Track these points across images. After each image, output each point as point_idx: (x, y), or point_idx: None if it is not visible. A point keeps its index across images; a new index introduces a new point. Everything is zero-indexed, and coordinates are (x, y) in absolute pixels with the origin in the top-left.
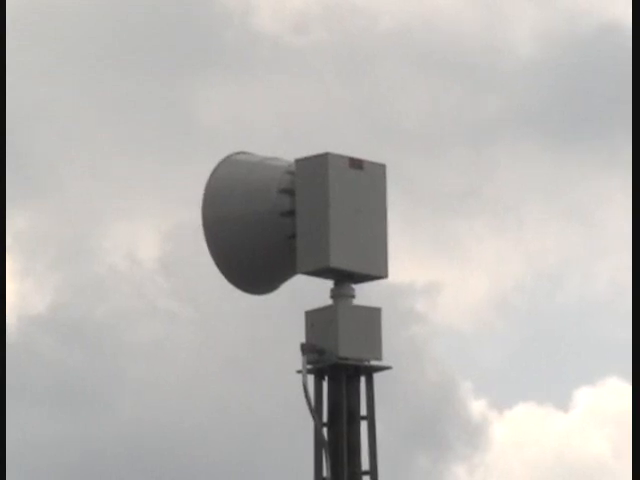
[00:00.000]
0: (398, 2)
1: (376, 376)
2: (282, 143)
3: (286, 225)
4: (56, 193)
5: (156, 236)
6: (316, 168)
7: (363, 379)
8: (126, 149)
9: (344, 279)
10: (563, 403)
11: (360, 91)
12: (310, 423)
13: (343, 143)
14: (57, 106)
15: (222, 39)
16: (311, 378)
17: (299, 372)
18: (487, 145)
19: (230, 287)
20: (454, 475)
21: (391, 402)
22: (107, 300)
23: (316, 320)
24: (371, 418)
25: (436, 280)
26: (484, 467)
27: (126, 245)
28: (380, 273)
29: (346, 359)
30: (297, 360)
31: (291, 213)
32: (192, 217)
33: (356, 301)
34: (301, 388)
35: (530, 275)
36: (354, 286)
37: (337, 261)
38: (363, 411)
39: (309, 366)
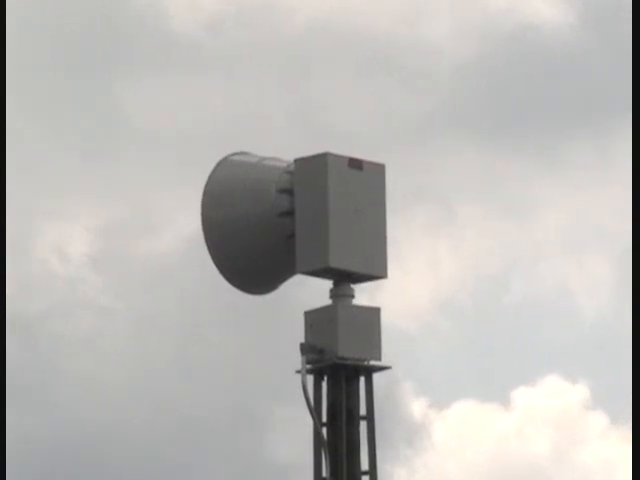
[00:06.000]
0: None
1: None
2: (211, 142)
3: (285, 225)
4: None
5: (86, 233)
6: (315, 168)
7: (362, 379)
8: (55, 147)
9: (343, 279)
10: (505, 403)
11: (286, 89)
12: (310, 423)
13: (273, 142)
14: None
15: (139, 41)
16: (310, 378)
17: (298, 372)
18: (421, 145)
19: (164, 285)
20: (396, 475)
21: None
22: (41, 296)
23: (315, 320)
24: (370, 418)
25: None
26: (425, 468)
27: (56, 242)
28: (379, 273)
29: (345, 359)
30: (296, 360)
31: (290, 213)
32: (121, 214)
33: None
34: (300, 388)
35: (471, 274)
36: (353, 286)
37: (336, 261)
38: (362, 411)
39: (308, 366)
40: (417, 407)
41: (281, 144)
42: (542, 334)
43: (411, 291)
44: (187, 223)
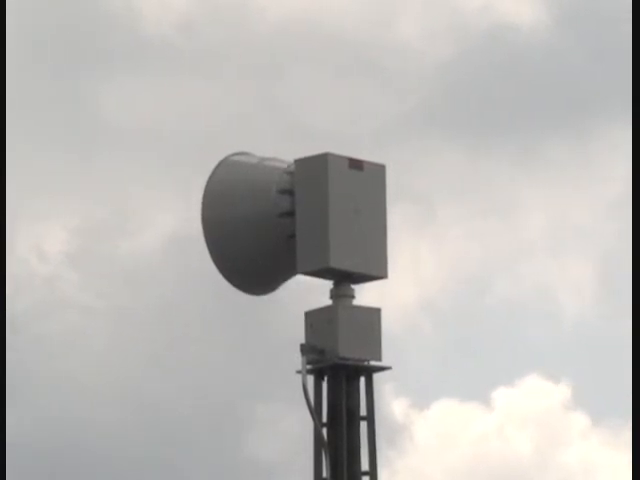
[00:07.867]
0: None
1: None
2: (191, 142)
3: (286, 225)
4: None
5: (64, 232)
6: (316, 168)
7: (363, 379)
8: (34, 147)
9: (344, 279)
10: (486, 403)
11: (262, 90)
12: (310, 423)
13: (251, 143)
14: None
15: (112, 42)
16: (311, 378)
17: (299, 372)
18: (400, 145)
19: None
20: (380, 476)
21: None
22: (19, 295)
23: (316, 320)
24: (371, 418)
25: None
26: (406, 468)
27: (36, 241)
28: (380, 273)
29: (346, 359)
30: (297, 360)
31: (291, 213)
32: (101, 213)
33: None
34: (301, 388)
35: (452, 275)
36: (354, 286)
37: (337, 261)
38: (363, 411)
39: (309, 366)
40: (398, 407)
41: (263, 144)
42: (524, 334)
43: (393, 291)
44: (167, 222)
